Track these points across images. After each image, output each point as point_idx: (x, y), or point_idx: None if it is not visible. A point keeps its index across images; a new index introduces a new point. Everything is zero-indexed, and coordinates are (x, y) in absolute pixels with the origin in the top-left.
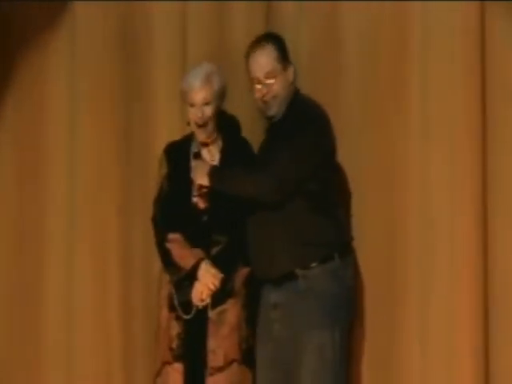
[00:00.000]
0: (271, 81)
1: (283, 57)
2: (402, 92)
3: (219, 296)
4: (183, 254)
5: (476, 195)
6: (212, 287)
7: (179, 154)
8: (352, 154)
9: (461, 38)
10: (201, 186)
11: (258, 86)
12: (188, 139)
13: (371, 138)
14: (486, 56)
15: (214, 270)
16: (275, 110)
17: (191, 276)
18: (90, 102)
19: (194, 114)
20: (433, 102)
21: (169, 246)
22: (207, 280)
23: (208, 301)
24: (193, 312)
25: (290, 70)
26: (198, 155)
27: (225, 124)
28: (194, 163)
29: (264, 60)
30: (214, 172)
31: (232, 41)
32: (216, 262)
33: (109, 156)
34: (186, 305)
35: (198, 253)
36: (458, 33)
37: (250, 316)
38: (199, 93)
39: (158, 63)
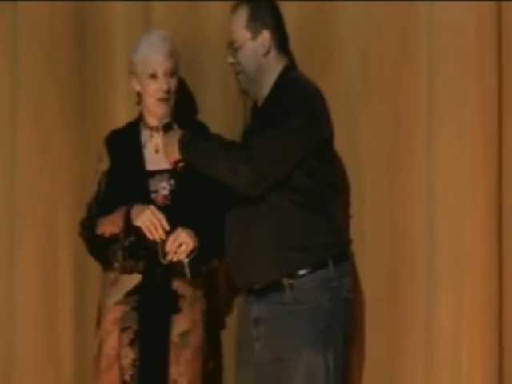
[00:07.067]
0: (237, 52)
1: (256, 22)
2: (408, 67)
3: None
4: (113, 219)
5: (490, 193)
6: (163, 223)
7: (126, 143)
8: (349, 141)
9: (475, 13)
10: (176, 161)
11: (228, 54)
12: (135, 125)
13: (372, 121)
14: (502, 32)
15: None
16: (245, 85)
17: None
18: (33, 96)
19: (158, 87)
20: (444, 78)
21: (99, 230)
22: (147, 217)
23: (182, 258)
24: (167, 259)
25: (262, 39)
26: (169, 126)
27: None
28: (164, 136)
29: (232, 26)
30: (185, 139)
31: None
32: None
33: (59, 158)
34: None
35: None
36: (471, 6)
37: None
38: (165, 62)
39: (117, 48)
